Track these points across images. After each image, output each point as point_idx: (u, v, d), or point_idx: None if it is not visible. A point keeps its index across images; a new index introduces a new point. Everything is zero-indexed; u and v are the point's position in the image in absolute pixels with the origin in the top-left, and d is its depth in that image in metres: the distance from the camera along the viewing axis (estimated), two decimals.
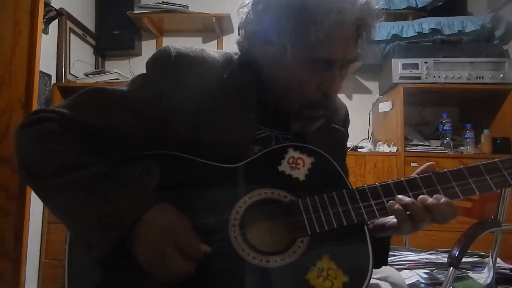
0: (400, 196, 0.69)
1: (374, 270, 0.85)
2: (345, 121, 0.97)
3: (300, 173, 0.75)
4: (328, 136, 0.86)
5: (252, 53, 0.80)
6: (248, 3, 0.78)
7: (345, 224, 0.68)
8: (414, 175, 0.73)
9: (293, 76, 0.76)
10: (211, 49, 0.84)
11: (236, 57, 0.84)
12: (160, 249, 0.61)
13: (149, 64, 0.81)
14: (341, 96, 3.17)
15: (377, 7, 0.75)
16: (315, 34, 0.69)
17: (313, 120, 0.80)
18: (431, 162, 0.74)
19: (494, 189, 0.69)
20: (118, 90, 0.77)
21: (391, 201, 0.69)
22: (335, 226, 0.68)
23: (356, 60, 0.78)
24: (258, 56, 0.79)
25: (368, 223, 0.76)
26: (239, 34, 0.83)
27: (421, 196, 0.68)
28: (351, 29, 0.72)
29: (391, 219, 0.75)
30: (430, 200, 0.68)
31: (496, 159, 0.71)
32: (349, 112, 1.00)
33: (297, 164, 0.75)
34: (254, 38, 0.78)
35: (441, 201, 0.67)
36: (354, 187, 0.73)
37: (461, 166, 0.71)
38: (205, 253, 0.64)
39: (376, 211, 0.69)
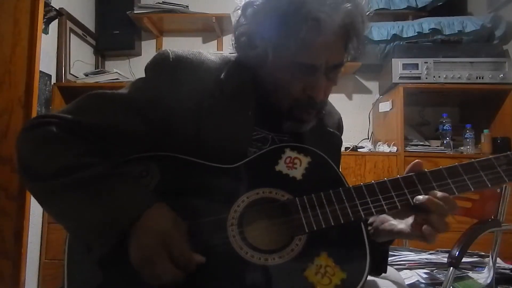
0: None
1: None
2: (339, 128, 0.98)
3: (297, 173, 0.75)
4: (324, 139, 0.87)
5: (244, 55, 0.82)
6: (241, 6, 0.79)
7: (342, 221, 0.69)
8: (410, 173, 0.73)
9: (278, 78, 0.78)
10: (209, 52, 0.85)
11: (233, 59, 0.84)
12: (151, 252, 0.61)
13: (148, 68, 0.82)
14: (341, 96, 3.15)
15: (366, 11, 0.76)
16: (295, 39, 0.71)
17: (303, 122, 0.81)
18: (417, 160, 0.74)
19: (489, 185, 0.70)
20: (118, 93, 0.78)
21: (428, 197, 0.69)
22: (332, 224, 0.68)
23: (343, 64, 0.79)
24: (248, 58, 0.81)
25: (369, 228, 0.77)
26: (234, 36, 0.84)
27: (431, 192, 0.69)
28: (334, 35, 0.73)
29: (397, 224, 0.74)
30: (440, 193, 0.68)
31: (490, 156, 0.71)
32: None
33: (294, 164, 0.76)
34: (243, 41, 0.80)
35: (438, 195, 0.68)
36: (351, 185, 0.73)
37: (456, 163, 0.71)
38: (198, 263, 0.64)
39: (372, 209, 0.70)
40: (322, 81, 0.76)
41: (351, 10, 0.72)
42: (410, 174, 0.73)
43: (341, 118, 1.00)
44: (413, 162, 0.73)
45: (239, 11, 0.79)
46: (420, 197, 0.69)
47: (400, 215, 0.74)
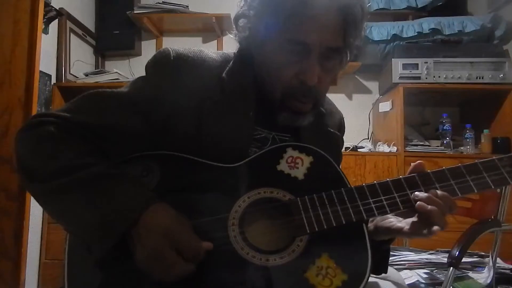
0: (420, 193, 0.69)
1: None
2: (341, 128, 0.97)
3: (299, 172, 0.74)
4: (324, 138, 0.87)
5: (243, 43, 0.82)
6: None
7: (343, 222, 0.68)
8: (412, 174, 0.73)
9: (271, 60, 0.77)
10: (210, 50, 0.84)
11: (234, 56, 0.84)
12: (159, 250, 0.61)
13: (149, 66, 0.81)
14: (341, 96, 3.14)
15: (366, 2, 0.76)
16: (284, 13, 0.71)
17: (298, 113, 0.79)
18: (419, 161, 0.74)
19: (493, 187, 0.69)
20: (118, 91, 0.78)
21: (418, 198, 0.69)
22: (334, 225, 0.68)
23: (339, 51, 0.77)
24: (248, 45, 0.81)
25: (368, 224, 0.77)
26: (236, 28, 0.84)
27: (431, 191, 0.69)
28: (327, 13, 0.72)
29: (396, 222, 0.74)
30: (440, 192, 0.68)
31: (494, 157, 0.71)
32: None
33: (296, 164, 0.75)
34: (241, 23, 0.80)
35: (438, 194, 0.68)
36: (352, 186, 0.72)
37: (459, 164, 0.71)
38: (207, 249, 0.64)
39: (374, 209, 0.69)
40: (315, 65, 0.74)
41: None
42: (413, 174, 0.72)
43: (343, 118, 0.99)
44: (415, 163, 0.73)
45: (241, 2, 0.80)
46: (420, 194, 0.69)
47: (402, 215, 0.74)
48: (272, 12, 0.73)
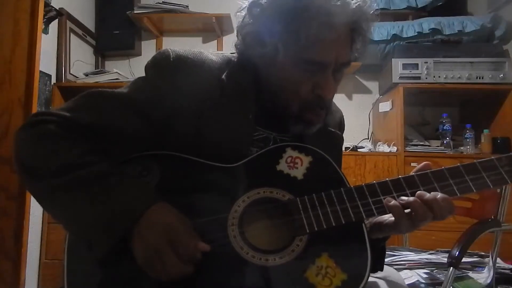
0: (402, 197, 0.69)
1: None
2: (341, 126, 0.98)
3: (298, 172, 0.75)
4: (325, 139, 0.87)
5: (249, 55, 0.82)
6: (245, 7, 0.79)
7: (343, 222, 0.68)
8: (411, 173, 0.73)
9: (287, 77, 0.77)
10: (210, 52, 0.85)
11: (234, 59, 0.84)
12: (156, 248, 0.62)
13: (149, 67, 0.81)
14: (341, 96, 3.14)
15: (371, 10, 0.77)
16: (305, 35, 0.71)
17: (311, 124, 0.80)
18: (427, 162, 0.74)
19: (491, 186, 0.69)
20: (118, 92, 0.78)
21: (387, 198, 0.69)
22: (333, 224, 0.68)
23: (350, 64, 0.79)
24: (254, 58, 0.81)
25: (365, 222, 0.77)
26: (237, 37, 0.84)
27: (418, 192, 0.69)
28: (343, 32, 0.74)
29: (388, 217, 0.75)
30: (428, 195, 0.68)
31: (492, 157, 0.71)
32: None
33: (295, 163, 0.75)
34: (250, 40, 0.80)
35: (438, 196, 0.68)
36: (352, 186, 0.73)
37: (458, 164, 0.71)
38: (203, 251, 0.64)
39: (374, 209, 0.69)
40: (331, 79, 0.76)
41: (361, 5, 0.73)
42: (412, 174, 0.73)
43: (342, 116, 0.99)
44: (422, 164, 0.74)
45: (244, 12, 0.80)
46: (405, 198, 0.69)
47: None
48: (289, 33, 0.73)
